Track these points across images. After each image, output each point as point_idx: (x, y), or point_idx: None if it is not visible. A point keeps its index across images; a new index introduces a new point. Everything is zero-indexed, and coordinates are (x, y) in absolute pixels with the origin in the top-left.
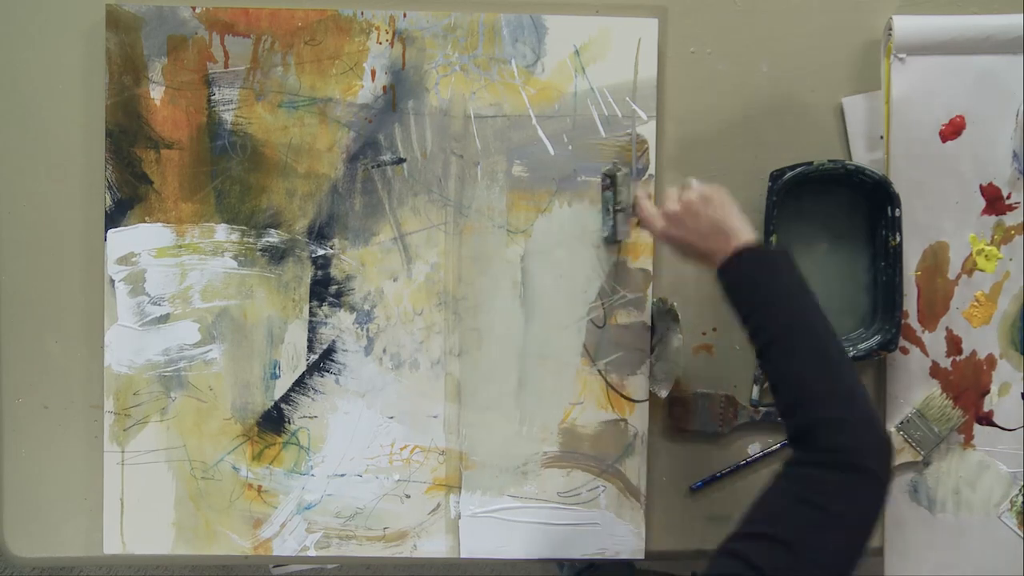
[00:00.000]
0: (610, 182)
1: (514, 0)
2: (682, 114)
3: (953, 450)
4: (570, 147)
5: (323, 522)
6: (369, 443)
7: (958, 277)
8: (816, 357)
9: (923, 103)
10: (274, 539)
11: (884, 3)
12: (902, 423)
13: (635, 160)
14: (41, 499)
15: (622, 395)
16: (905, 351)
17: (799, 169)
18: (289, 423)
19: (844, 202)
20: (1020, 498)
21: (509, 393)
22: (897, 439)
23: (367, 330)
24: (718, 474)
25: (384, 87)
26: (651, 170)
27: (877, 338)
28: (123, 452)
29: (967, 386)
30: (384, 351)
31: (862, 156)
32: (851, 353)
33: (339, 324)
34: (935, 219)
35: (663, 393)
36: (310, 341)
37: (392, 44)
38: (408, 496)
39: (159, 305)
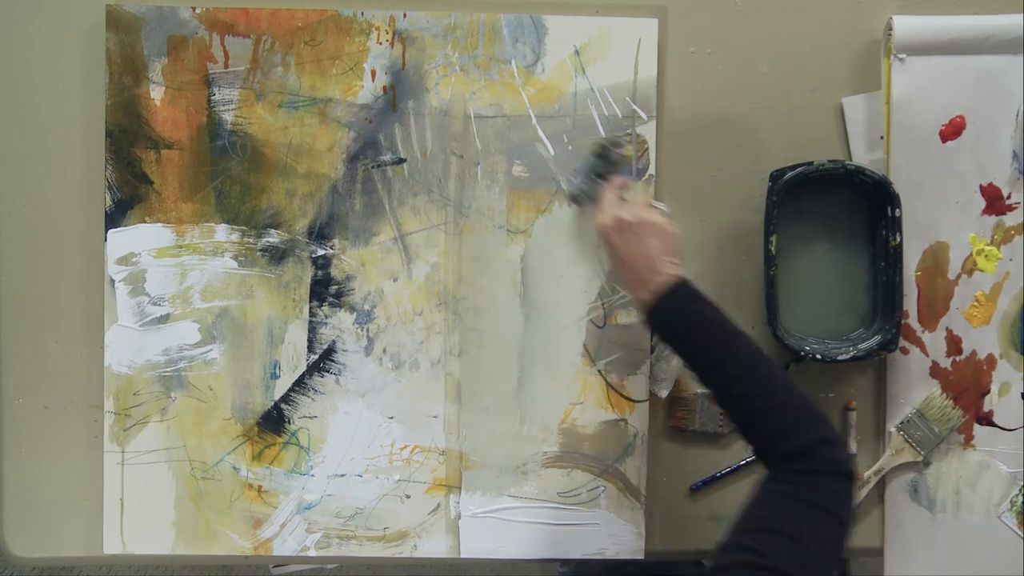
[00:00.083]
0: (601, 151)
1: (514, 0)
2: (682, 114)
3: (953, 450)
4: (570, 147)
5: (323, 522)
6: (369, 443)
7: (958, 277)
8: (785, 385)
9: (923, 103)
10: (274, 539)
11: (884, 3)
12: (902, 423)
13: (635, 160)
14: (41, 499)
15: (622, 395)
16: (905, 351)
17: (799, 169)
18: (289, 423)
19: (844, 202)
20: (1020, 498)
21: (509, 393)
22: (897, 439)
23: (367, 330)
24: (718, 474)
25: (384, 87)
26: (651, 170)
27: (877, 338)
28: (123, 452)
29: (967, 386)
30: (384, 351)
31: (862, 156)
32: (851, 353)
33: (339, 324)
34: (935, 219)
35: (663, 393)
36: (310, 341)
37: (392, 44)
38: (408, 496)
39: (159, 305)
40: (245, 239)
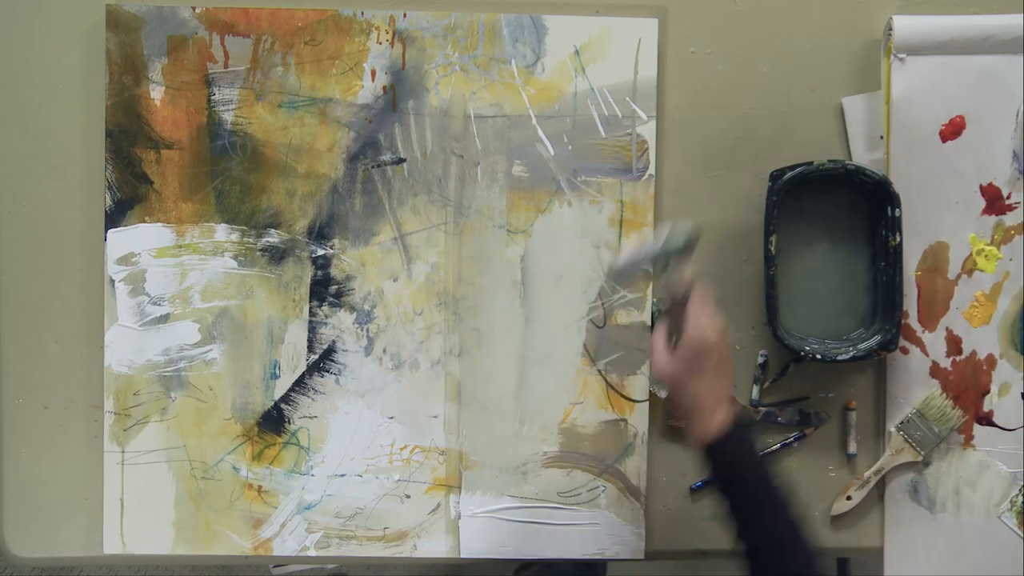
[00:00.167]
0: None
1: (514, 0)
2: (682, 114)
3: (953, 450)
4: (570, 147)
5: (323, 522)
6: (369, 443)
7: (958, 277)
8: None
9: (923, 103)
10: (274, 539)
11: (884, 3)
12: (902, 423)
13: (635, 160)
14: (41, 499)
15: (622, 395)
16: (905, 351)
17: (799, 169)
18: (289, 423)
19: (844, 202)
20: (1020, 498)
21: (509, 393)
22: (897, 439)
23: (367, 330)
24: None
25: (384, 87)
26: (651, 170)
27: (877, 338)
28: (123, 452)
29: (967, 386)
30: (384, 351)
31: (862, 156)
32: (851, 353)
33: (339, 324)
34: (935, 219)
35: (663, 393)
36: (310, 341)
37: (392, 44)
38: (408, 496)
39: (159, 305)
40: (245, 239)
